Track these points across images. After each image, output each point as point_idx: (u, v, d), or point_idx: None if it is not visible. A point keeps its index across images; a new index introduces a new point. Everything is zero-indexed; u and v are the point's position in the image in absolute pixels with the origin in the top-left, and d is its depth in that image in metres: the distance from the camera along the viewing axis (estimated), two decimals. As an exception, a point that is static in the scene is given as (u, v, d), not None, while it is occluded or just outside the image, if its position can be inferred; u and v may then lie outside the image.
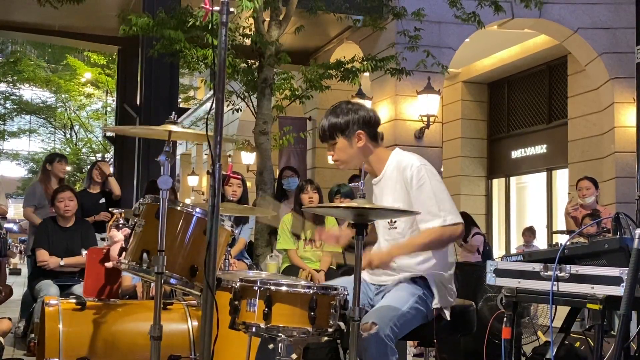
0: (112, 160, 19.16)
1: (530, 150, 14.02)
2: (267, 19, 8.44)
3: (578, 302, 3.08)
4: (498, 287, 3.45)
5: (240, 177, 6.49)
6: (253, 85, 8.83)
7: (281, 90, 9.17)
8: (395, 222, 3.26)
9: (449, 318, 3.22)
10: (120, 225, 3.81)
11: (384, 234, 3.32)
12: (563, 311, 3.50)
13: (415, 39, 9.40)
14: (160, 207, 3.04)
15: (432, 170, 3.23)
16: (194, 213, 3.25)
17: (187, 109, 24.26)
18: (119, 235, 3.77)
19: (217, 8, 2.64)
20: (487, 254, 9.45)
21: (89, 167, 7.78)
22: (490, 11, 9.24)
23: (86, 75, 25.56)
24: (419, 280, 3.21)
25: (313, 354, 3.34)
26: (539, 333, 6.10)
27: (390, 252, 3.14)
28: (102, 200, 7.42)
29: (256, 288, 2.72)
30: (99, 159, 23.12)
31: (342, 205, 3.03)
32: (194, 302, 3.94)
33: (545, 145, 13.63)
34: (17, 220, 19.23)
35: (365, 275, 3.29)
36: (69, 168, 7.97)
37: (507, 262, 3.43)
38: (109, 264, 3.91)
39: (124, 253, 3.29)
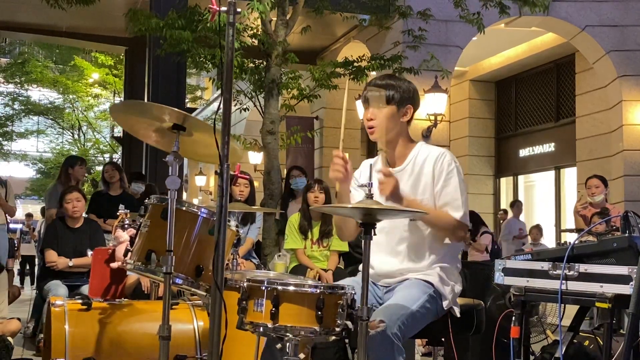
0: (120, 160, 19.19)
1: (538, 149, 13.98)
2: (274, 19, 8.43)
3: (587, 300, 3.06)
4: (506, 286, 3.42)
5: (247, 177, 6.48)
6: (260, 85, 8.83)
7: (289, 90, 9.16)
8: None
9: (459, 315, 3.18)
10: (126, 226, 3.81)
11: (402, 221, 3.14)
12: (572, 310, 3.48)
13: (420, 39, 9.37)
14: (168, 207, 3.03)
15: (460, 168, 3.18)
16: (199, 213, 3.24)
17: (195, 109, 24.29)
18: (124, 236, 3.77)
19: (224, 8, 2.62)
20: (495, 252, 9.43)
21: (98, 168, 7.72)
22: (496, 11, 9.22)
23: (94, 75, 25.59)
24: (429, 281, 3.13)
25: (321, 353, 3.33)
26: (548, 332, 6.08)
27: (405, 198, 2.98)
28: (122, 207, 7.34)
29: (263, 288, 2.70)
30: (107, 161, 23.12)
31: (350, 205, 3.00)
32: (200, 302, 3.93)
33: (553, 144, 13.60)
34: (25, 221, 19.28)
35: (372, 277, 3.19)
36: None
37: (516, 261, 3.40)
38: (114, 265, 3.91)
39: (129, 254, 3.28)
